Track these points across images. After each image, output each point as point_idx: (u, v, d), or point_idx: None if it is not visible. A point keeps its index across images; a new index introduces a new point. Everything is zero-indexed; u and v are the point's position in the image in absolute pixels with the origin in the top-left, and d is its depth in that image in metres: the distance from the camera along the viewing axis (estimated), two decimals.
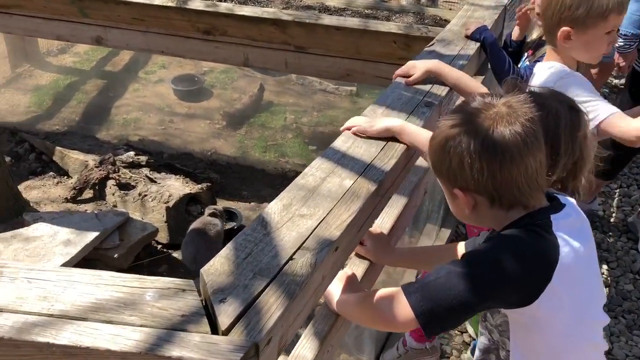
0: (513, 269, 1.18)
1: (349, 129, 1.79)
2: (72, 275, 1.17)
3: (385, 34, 3.22)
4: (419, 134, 1.66)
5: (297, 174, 4.08)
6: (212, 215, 3.29)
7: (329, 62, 3.50)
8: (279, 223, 1.34)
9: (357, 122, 1.78)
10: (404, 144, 1.69)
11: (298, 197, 1.44)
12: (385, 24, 3.24)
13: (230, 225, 3.52)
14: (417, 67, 2.11)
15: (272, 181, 4.16)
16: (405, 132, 1.68)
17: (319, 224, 1.35)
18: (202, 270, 1.21)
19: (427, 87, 2.10)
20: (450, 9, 4.37)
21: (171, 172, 3.96)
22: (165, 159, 4.27)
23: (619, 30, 2.09)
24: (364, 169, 1.58)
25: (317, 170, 1.56)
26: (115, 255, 3.08)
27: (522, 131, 1.19)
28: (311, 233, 1.31)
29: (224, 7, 3.44)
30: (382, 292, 1.31)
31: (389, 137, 1.70)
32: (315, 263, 1.23)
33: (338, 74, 3.56)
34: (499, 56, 2.40)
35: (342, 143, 1.71)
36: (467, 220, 1.37)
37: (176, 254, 3.36)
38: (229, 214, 3.54)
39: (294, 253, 1.25)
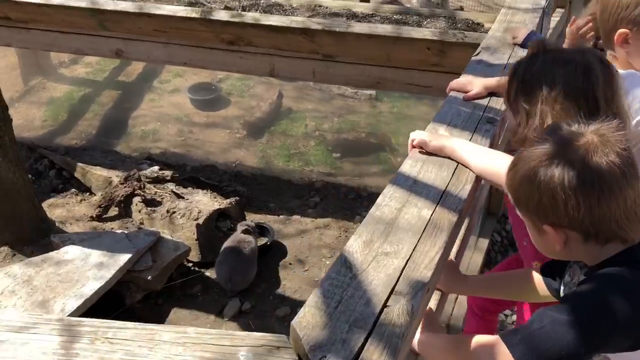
0: (624, 314, 1.08)
1: (418, 144, 1.70)
2: (155, 333, 1.08)
3: (419, 41, 3.12)
4: (470, 155, 1.57)
5: (324, 184, 4.00)
6: (245, 232, 3.19)
7: (359, 70, 3.40)
8: (364, 263, 1.25)
9: (419, 135, 1.69)
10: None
11: (377, 232, 1.35)
12: (419, 30, 3.14)
13: (262, 241, 3.42)
14: (475, 83, 2.00)
15: (299, 192, 4.07)
16: (455, 154, 1.60)
17: (407, 263, 1.25)
18: (293, 323, 1.11)
19: (484, 102, 2.00)
20: (481, 11, 4.26)
21: (197, 185, 3.87)
22: (188, 172, 4.18)
23: None
24: (440, 197, 1.48)
25: (391, 200, 1.47)
26: (149, 277, 2.98)
27: (618, 161, 1.10)
28: (400, 274, 1.22)
29: (250, 17, 3.34)
30: (480, 340, 1.21)
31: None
32: (412, 310, 1.14)
33: (368, 82, 3.46)
34: None
35: (410, 167, 1.61)
36: (554, 255, 1.28)
37: (209, 273, 3.26)
38: (260, 229, 3.44)
39: (387, 299, 1.16)
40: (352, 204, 3.88)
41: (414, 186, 1.53)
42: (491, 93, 2.02)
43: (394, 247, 1.30)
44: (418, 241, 1.32)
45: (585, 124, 1.17)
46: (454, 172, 1.59)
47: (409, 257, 1.27)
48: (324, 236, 3.54)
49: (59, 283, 2.81)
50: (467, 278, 1.69)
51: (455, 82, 2.09)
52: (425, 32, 3.11)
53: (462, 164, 1.60)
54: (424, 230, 1.36)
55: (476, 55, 2.44)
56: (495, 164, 1.50)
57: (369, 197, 3.95)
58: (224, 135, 4.89)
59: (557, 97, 1.42)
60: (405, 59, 3.25)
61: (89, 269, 2.88)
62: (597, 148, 1.10)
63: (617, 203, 1.10)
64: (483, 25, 3.41)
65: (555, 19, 3.79)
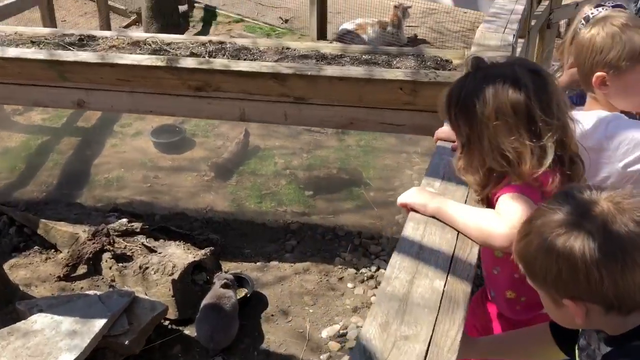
0: None
1: (405, 205, 1.64)
2: None
3: (391, 82, 3.10)
4: (454, 215, 1.53)
5: (300, 225, 3.91)
6: (224, 286, 3.07)
7: (332, 111, 3.37)
8: (384, 352, 1.17)
9: (411, 199, 1.63)
10: None
11: (392, 311, 1.28)
12: (391, 71, 3.13)
13: (242, 292, 3.30)
14: None
15: (274, 235, 3.96)
16: (440, 214, 1.55)
17: (429, 347, 1.19)
18: None
19: None
20: (444, 47, 4.29)
21: (168, 236, 3.72)
22: (158, 222, 4.03)
23: None
24: (449, 264, 1.43)
25: (400, 272, 1.40)
26: (126, 342, 2.82)
27: (637, 229, 1.06)
28: None
29: (219, 64, 3.26)
30: None
31: None
32: None
33: (341, 122, 3.42)
34: None
35: (413, 231, 1.55)
36: (572, 326, 1.24)
37: (188, 331, 3.12)
38: (238, 280, 3.32)
39: None
40: (330, 245, 3.80)
41: (421, 253, 1.46)
42: None
43: (412, 328, 1.23)
44: (436, 320, 1.26)
45: (597, 190, 1.14)
46: (458, 233, 1.54)
47: (430, 339, 1.20)
48: (305, 282, 3.44)
49: (28, 357, 2.62)
50: (476, 341, 1.63)
51: (441, 131, 2.06)
52: (397, 73, 3.09)
53: (448, 225, 1.55)
54: (440, 306, 1.30)
55: None
56: (479, 221, 1.47)
57: (346, 237, 3.88)
58: (191, 179, 4.75)
59: (491, 114, 1.43)
60: (377, 99, 3.23)
61: (61, 339, 2.70)
62: (615, 217, 1.07)
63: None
64: (452, 62, 3.43)
65: (517, 50, 3.85)
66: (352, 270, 3.51)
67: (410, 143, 5.11)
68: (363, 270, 3.51)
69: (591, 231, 1.06)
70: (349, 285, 3.40)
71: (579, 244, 1.06)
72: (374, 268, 3.52)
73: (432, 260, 1.43)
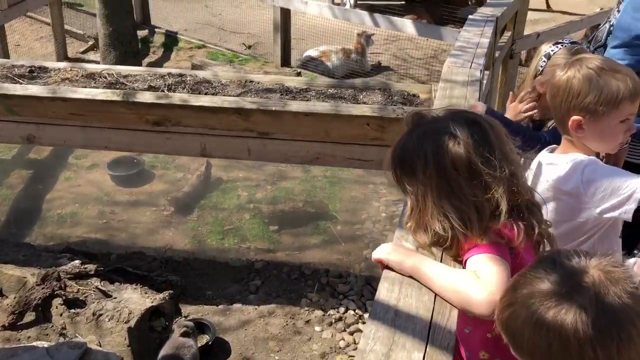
0: None
1: (380, 261, 1.52)
2: None
3: (358, 117, 3.01)
4: (430, 275, 1.41)
5: (264, 264, 3.74)
6: (184, 335, 2.88)
7: (297, 147, 3.25)
8: None
9: (386, 256, 1.51)
10: None
11: None
12: (358, 106, 3.04)
13: (203, 339, 3.12)
14: None
15: (237, 275, 3.79)
16: (416, 273, 1.44)
17: None
18: None
19: None
20: (402, 79, 4.24)
21: (124, 278, 3.51)
22: (114, 262, 3.81)
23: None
24: (428, 332, 1.31)
25: (375, 343, 1.27)
26: None
27: (632, 303, 1.00)
28: None
29: (178, 98, 3.12)
30: None
31: None
32: None
33: (307, 158, 3.31)
34: (527, 133, 2.24)
35: (387, 293, 1.43)
36: None
37: None
38: (198, 326, 3.14)
39: None
40: (296, 285, 3.65)
41: (397, 320, 1.34)
42: None
43: None
44: None
45: (585, 257, 1.06)
46: (436, 295, 1.43)
47: None
48: (270, 326, 3.28)
49: None
50: None
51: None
52: (364, 109, 3.01)
53: (424, 285, 1.44)
54: None
55: None
56: (457, 285, 1.36)
57: (313, 275, 3.74)
58: (149, 214, 4.55)
59: (432, 174, 1.38)
60: (344, 135, 3.14)
61: None
62: (607, 288, 0.99)
63: (637, 350, 0.98)
64: (419, 97, 3.36)
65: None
66: (319, 312, 3.37)
67: (376, 174, 5.02)
68: (331, 311, 3.37)
69: (583, 305, 0.98)
70: (317, 328, 3.26)
71: (570, 318, 0.98)
72: (342, 309, 3.39)
73: (409, 328, 1.31)
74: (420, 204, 1.43)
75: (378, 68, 7.20)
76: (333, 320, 3.31)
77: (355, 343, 3.16)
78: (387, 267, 1.51)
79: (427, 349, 1.26)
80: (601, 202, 1.63)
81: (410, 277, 1.46)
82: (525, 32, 5.88)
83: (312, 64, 6.96)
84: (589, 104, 1.69)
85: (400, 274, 1.47)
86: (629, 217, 1.61)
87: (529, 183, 1.78)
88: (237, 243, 4.20)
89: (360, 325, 3.28)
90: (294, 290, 3.59)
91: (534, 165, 1.84)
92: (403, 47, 7.95)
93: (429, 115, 1.50)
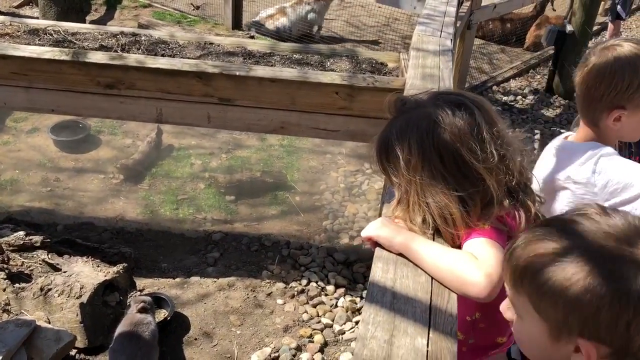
0: None
1: (369, 238, 1.44)
2: None
3: (326, 85, 2.89)
4: (423, 253, 1.34)
5: (223, 235, 3.62)
6: (141, 310, 2.74)
7: (260, 115, 3.10)
8: None
9: (375, 232, 1.43)
10: None
11: None
12: (327, 74, 2.91)
13: (160, 314, 2.98)
14: None
15: (194, 246, 3.65)
16: (408, 252, 1.37)
17: None
18: None
19: None
20: (378, 49, 4.13)
21: (73, 249, 3.31)
22: (61, 233, 3.59)
23: None
24: (429, 316, 1.24)
25: (375, 329, 1.20)
26: None
27: None
28: None
29: (133, 60, 2.90)
30: None
31: None
32: None
33: (270, 127, 3.16)
34: None
35: (382, 274, 1.35)
36: None
37: None
38: (156, 300, 3.00)
39: None
40: (256, 256, 3.55)
41: (395, 302, 1.27)
42: None
43: None
44: None
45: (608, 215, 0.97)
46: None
47: None
48: (230, 299, 3.17)
49: None
50: None
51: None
52: (333, 76, 2.88)
53: (415, 264, 1.37)
54: None
55: None
56: (452, 266, 1.29)
57: (273, 247, 3.64)
58: (97, 182, 4.31)
59: (416, 166, 1.32)
60: (311, 103, 3.01)
61: None
62: None
63: None
64: (387, 65, 3.27)
65: None
66: (280, 285, 3.29)
67: (334, 143, 4.94)
68: (293, 284, 3.30)
69: (626, 275, 0.89)
70: (279, 301, 3.17)
71: (614, 285, 0.89)
72: (304, 281, 3.31)
73: (409, 312, 1.24)
74: (406, 194, 1.37)
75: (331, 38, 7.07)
76: (295, 293, 3.24)
77: (318, 316, 3.11)
78: (378, 244, 1.43)
79: (430, 334, 1.19)
80: (612, 195, 1.55)
81: (400, 255, 1.39)
82: (483, 3, 5.87)
83: (265, 28, 6.74)
84: (636, 97, 1.56)
85: (390, 251, 1.40)
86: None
87: (541, 169, 1.72)
88: (192, 213, 4.04)
89: (323, 298, 3.22)
90: (254, 262, 3.49)
91: (547, 151, 1.76)
92: (355, 13, 7.82)
93: (411, 100, 1.42)
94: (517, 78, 6.75)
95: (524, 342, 1.07)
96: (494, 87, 6.40)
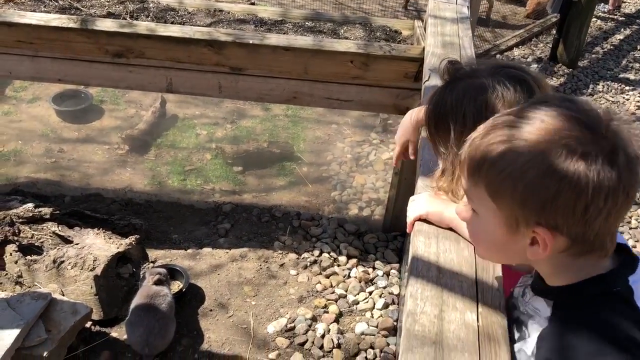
0: None
1: (419, 218, 1.43)
2: None
3: (342, 54, 2.83)
4: (444, 217, 1.37)
5: (233, 207, 3.59)
6: (157, 283, 2.72)
7: (272, 84, 3.05)
8: None
9: (425, 209, 1.42)
10: None
11: (428, 358, 1.06)
12: (342, 42, 2.85)
13: (175, 285, 2.97)
14: (402, 132, 1.79)
15: (204, 217, 3.62)
16: (433, 218, 1.39)
17: None
18: None
19: None
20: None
21: (82, 221, 3.28)
22: (69, 204, 3.55)
23: None
24: (476, 289, 1.23)
25: (425, 304, 1.19)
26: (45, 354, 2.42)
27: None
28: None
29: (144, 27, 2.82)
30: None
31: None
32: None
33: (283, 97, 3.11)
34: None
35: (425, 248, 1.34)
36: (512, 260, 1.07)
37: (116, 333, 2.76)
38: (169, 272, 2.98)
39: None
40: (267, 227, 3.53)
41: (441, 277, 1.25)
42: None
43: None
44: None
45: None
46: (474, 248, 1.35)
47: None
48: (243, 270, 3.16)
49: None
50: None
51: (397, 153, 1.83)
52: (349, 44, 2.82)
53: (464, 237, 1.36)
54: (479, 348, 1.09)
55: (427, 80, 2.21)
56: None
57: (284, 218, 3.62)
58: (102, 153, 4.26)
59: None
60: (324, 72, 2.96)
61: None
62: (631, 142, 0.88)
63: (625, 212, 0.91)
64: (401, 33, 3.21)
65: None
66: (293, 256, 3.28)
67: (339, 113, 4.89)
68: (305, 255, 3.29)
69: (612, 158, 0.86)
70: (292, 272, 3.17)
71: (596, 169, 0.85)
72: (316, 252, 3.30)
73: (456, 287, 1.23)
74: (452, 167, 1.32)
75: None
76: (308, 264, 3.23)
77: (332, 286, 3.11)
78: (421, 220, 1.41)
79: (479, 309, 1.18)
80: None
81: (449, 229, 1.37)
82: None
83: None
84: None
85: (439, 226, 1.38)
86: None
87: None
88: (200, 184, 4.01)
89: (335, 269, 3.22)
90: (265, 233, 3.47)
91: None
92: None
93: (467, 68, 1.36)
94: (520, 46, 6.67)
95: (480, 239, 1.05)
96: (498, 56, 6.33)
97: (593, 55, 6.44)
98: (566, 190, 0.86)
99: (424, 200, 1.40)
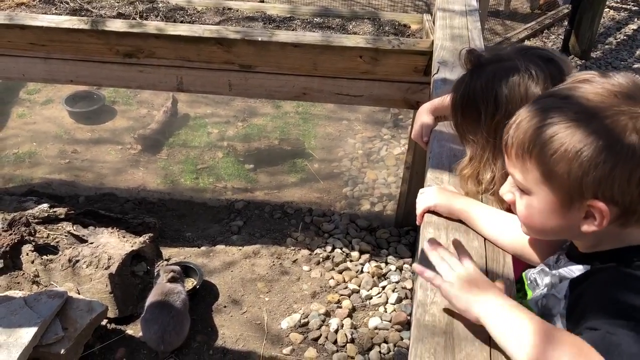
0: None
1: (427, 210, 1.42)
2: None
3: (350, 49, 2.83)
4: (479, 220, 1.34)
5: (245, 204, 3.60)
6: (171, 280, 2.75)
7: (282, 81, 3.06)
8: None
9: (433, 201, 1.41)
10: None
11: (439, 349, 1.06)
12: (351, 37, 2.85)
13: (189, 283, 2.99)
14: (419, 117, 1.77)
15: (217, 215, 3.65)
16: (466, 218, 1.36)
17: None
18: None
19: None
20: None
21: (96, 221, 3.31)
22: (83, 204, 3.59)
23: None
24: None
25: (435, 295, 1.19)
26: (62, 351, 2.46)
27: None
28: None
29: (153, 27, 2.84)
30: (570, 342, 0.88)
31: None
32: None
33: (292, 93, 3.12)
34: None
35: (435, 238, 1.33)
36: (565, 235, 1.06)
37: (131, 330, 2.79)
38: (183, 269, 3.00)
39: None
40: (279, 224, 3.54)
41: None
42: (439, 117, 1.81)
43: None
44: (491, 356, 1.06)
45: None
46: (485, 240, 1.34)
47: None
48: (256, 267, 3.18)
49: None
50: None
51: (414, 133, 1.83)
52: (357, 39, 2.82)
53: (473, 229, 1.36)
54: (490, 337, 1.09)
55: (436, 73, 2.20)
56: (508, 224, 1.27)
57: (296, 215, 3.63)
58: (115, 153, 4.29)
59: (500, 122, 1.22)
60: (334, 68, 2.95)
61: None
62: None
63: None
64: (410, 27, 3.20)
65: None
66: (305, 252, 3.29)
67: (349, 109, 4.90)
68: (317, 250, 3.30)
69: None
70: (305, 268, 3.18)
71: None
72: (329, 248, 3.31)
73: None
74: (482, 152, 1.32)
75: None
76: (321, 260, 3.24)
77: (344, 282, 3.11)
78: (430, 212, 1.41)
79: None
80: None
81: (459, 220, 1.37)
82: None
83: None
84: None
85: (448, 218, 1.38)
86: None
87: None
88: (212, 182, 4.03)
89: (348, 264, 3.22)
90: (277, 229, 3.49)
91: None
92: None
93: (491, 54, 1.34)
94: (531, 39, 6.62)
95: (532, 218, 1.03)
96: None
97: (606, 46, 6.37)
98: (622, 163, 0.88)
99: (433, 192, 1.40)
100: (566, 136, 0.91)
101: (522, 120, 0.98)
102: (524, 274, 1.22)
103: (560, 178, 0.93)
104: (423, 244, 1.33)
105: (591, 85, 0.93)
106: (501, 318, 0.97)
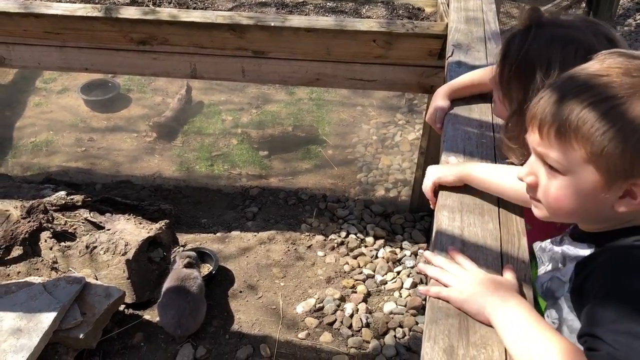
0: None
1: (435, 185, 1.46)
2: None
3: (364, 33, 2.81)
4: (485, 177, 1.37)
5: (260, 190, 3.62)
6: (187, 266, 2.77)
7: (295, 66, 3.05)
8: None
9: (436, 175, 1.45)
10: None
11: (453, 330, 1.06)
12: (364, 21, 2.83)
13: (205, 268, 3.02)
14: (435, 102, 1.81)
15: (232, 202, 3.66)
16: (471, 180, 1.40)
17: None
18: None
19: (488, 117, 1.76)
20: None
21: (113, 208, 3.34)
22: (100, 192, 3.63)
23: None
24: (500, 262, 1.22)
25: None
26: (81, 336, 2.50)
27: None
28: None
29: (166, 14, 2.84)
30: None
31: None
32: None
33: (306, 79, 3.11)
34: None
35: (449, 222, 1.33)
36: (599, 219, 1.02)
37: (148, 316, 2.82)
38: (199, 255, 3.03)
39: None
40: (294, 210, 3.55)
41: (466, 250, 1.25)
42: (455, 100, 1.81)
43: (481, 352, 1.02)
44: None
45: None
46: (499, 221, 1.34)
47: None
48: (271, 252, 3.19)
49: None
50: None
51: (428, 116, 1.84)
52: (371, 23, 2.80)
53: (481, 189, 1.39)
54: None
55: (450, 56, 2.18)
56: (508, 179, 1.31)
57: (310, 201, 3.64)
58: (131, 141, 4.32)
59: None
60: (347, 53, 2.94)
61: (4, 339, 2.35)
62: None
63: None
64: (424, 10, 3.17)
65: None
66: (320, 237, 3.29)
67: (363, 95, 4.88)
68: (332, 236, 3.30)
69: None
70: (319, 253, 3.19)
71: None
72: (343, 233, 3.32)
73: (480, 260, 1.23)
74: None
75: None
76: (335, 245, 3.25)
77: (359, 267, 3.12)
78: (440, 187, 1.43)
79: None
80: None
81: (465, 186, 1.40)
82: None
83: None
84: None
85: (456, 185, 1.41)
86: None
87: None
88: (227, 169, 4.05)
89: (363, 249, 3.23)
90: (292, 215, 3.50)
91: None
92: None
93: (554, 17, 1.32)
94: None
95: (565, 200, 0.98)
96: None
97: (625, 28, 6.25)
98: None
99: (433, 168, 1.46)
100: (622, 113, 0.88)
101: (565, 98, 0.94)
102: (533, 245, 1.23)
103: (611, 157, 0.90)
104: (418, 266, 1.34)
105: (627, 59, 0.92)
106: (522, 333, 0.96)
